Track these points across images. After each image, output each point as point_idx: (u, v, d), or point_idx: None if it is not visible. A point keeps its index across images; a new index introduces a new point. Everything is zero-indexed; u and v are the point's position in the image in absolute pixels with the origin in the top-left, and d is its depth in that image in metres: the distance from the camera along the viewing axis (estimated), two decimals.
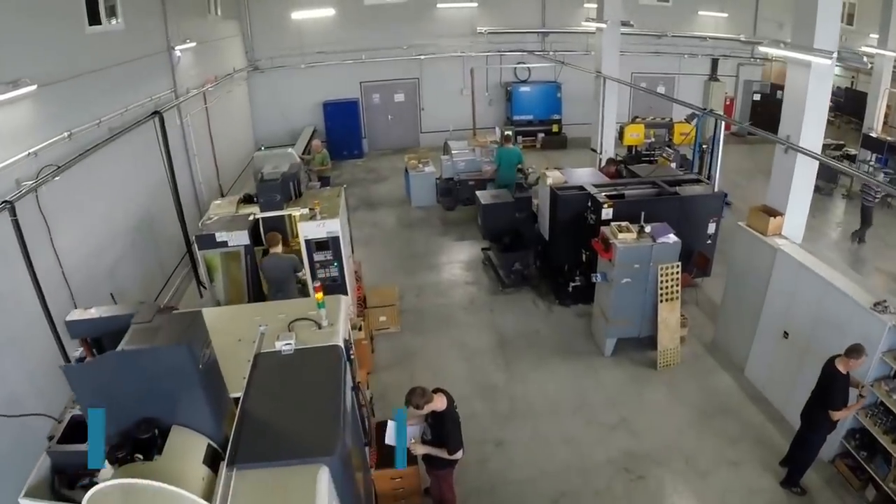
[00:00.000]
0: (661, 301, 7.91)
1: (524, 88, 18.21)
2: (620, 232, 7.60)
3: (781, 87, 20.71)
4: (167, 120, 10.25)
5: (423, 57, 17.90)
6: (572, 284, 9.21)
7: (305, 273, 7.62)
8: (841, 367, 5.50)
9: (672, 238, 7.64)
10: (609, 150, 12.96)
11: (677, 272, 7.85)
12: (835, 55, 6.54)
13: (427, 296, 9.76)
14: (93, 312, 3.33)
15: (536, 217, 10.02)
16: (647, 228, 7.60)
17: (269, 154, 12.39)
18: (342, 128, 17.62)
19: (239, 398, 3.41)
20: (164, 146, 9.43)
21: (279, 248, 7.45)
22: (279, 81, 17.49)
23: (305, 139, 16.48)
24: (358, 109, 17.97)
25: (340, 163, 17.53)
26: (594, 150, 13.06)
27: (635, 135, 14.04)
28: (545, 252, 9.73)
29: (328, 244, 7.36)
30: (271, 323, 4.23)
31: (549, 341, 8.62)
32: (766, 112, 20.37)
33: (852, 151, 15.60)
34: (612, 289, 7.77)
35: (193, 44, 11.85)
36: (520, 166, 12.09)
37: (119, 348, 2.80)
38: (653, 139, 14.55)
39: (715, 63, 19.64)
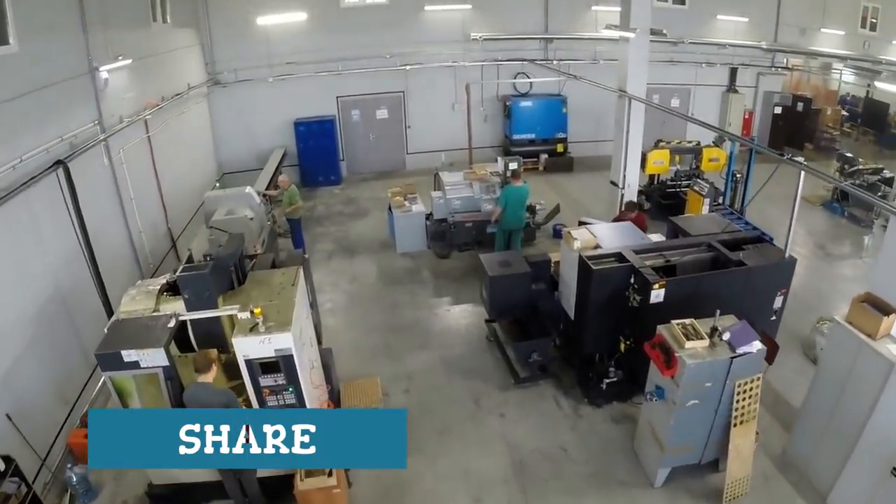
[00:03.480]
0: (735, 425, 5.89)
1: (525, 103, 16.01)
2: (687, 338, 5.52)
3: (803, 99, 19.07)
4: (89, 162, 8.17)
5: (409, 67, 15.65)
6: (606, 381, 7.14)
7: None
8: None
9: (756, 346, 5.59)
10: (633, 182, 10.90)
11: (758, 386, 5.84)
12: None
13: (418, 391, 7.62)
14: None
15: (555, 282, 7.95)
16: (725, 334, 5.52)
17: (222, 195, 10.26)
18: (316, 150, 15.33)
19: None
20: (72, 203, 7.19)
21: (210, 376, 5.27)
22: (244, 97, 15.17)
23: (275, 162, 14.31)
24: (334, 128, 15.64)
25: (315, 190, 15.30)
26: (615, 184, 10.99)
27: (659, 162, 12.03)
28: (569, 333, 7.65)
29: (278, 365, 5.22)
30: None
31: (581, 465, 6.53)
32: (787, 126, 18.55)
33: (889, 174, 13.84)
34: (672, 412, 5.72)
35: (129, 61, 9.61)
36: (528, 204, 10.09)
37: None
38: (678, 166, 12.55)
39: (733, 73, 17.69)
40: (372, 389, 7.38)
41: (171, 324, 5.38)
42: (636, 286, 6.56)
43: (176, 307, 5.65)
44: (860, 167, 14.04)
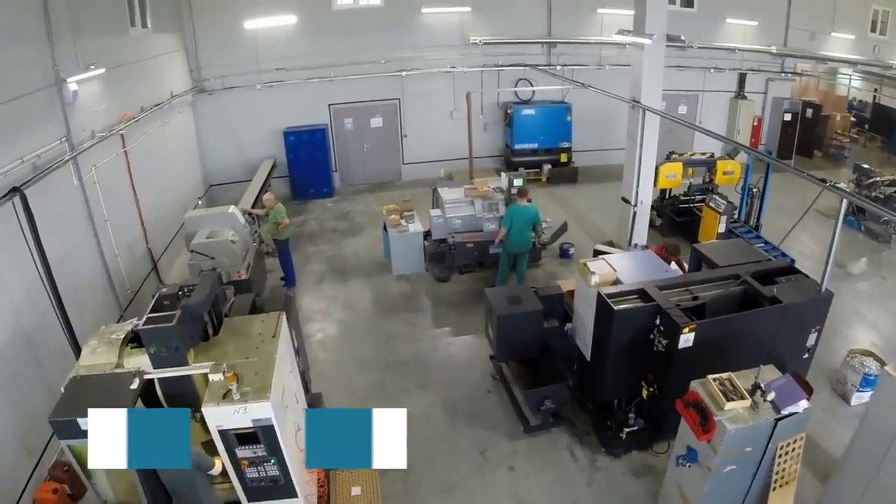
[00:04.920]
0: (775, 488, 5.23)
1: (527, 111, 15.23)
2: (726, 397, 4.83)
3: (812, 105, 18.45)
4: (55, 183, 7.38)
5: (405, 73, 14.87)
6: (627, 430, 6.46)
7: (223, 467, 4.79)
8: None
9: (803, 405, 4.91)
10: (647, 200, 10.21)
11: (801, 446, 5.19)
12: None
13: (418, 440, 6.83)
14: None
15: (567, 314, 7.26)
16: (770, 393, 4.83)
17: (203, 216, 9.53)
18: (307, 161, 14.49)
19: None
20: (31, 234, 6.44)
21: None
22: (231, 105, 14.37)
23: (264, 174, 13.58)
24: (326, 138, 14.82)
25: (306, 204, 14.53)
26: (626, 201, 10.29)
27: (672, 175, 11.33)
28: (584, 374, 6.96)
29: (257, 435, 4.50)
30: None
31: None
32: (796, 133, 17.91)
33: None
34: (706, 478, 5.04)
35: (102, 70, 8.84)
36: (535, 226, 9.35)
37: None
38: (691, 179, 11.86)
39: (742, 78, 17.03)
40: None
41: (135, 385, 4.64)
42: (662, 328, 5.87)
43: (141, 361, 4.92)
44: (877, 179, 13.41)
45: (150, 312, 5.05)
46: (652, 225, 11.20)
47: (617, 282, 6.43)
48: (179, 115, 13.05)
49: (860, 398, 7.51)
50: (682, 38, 9.33)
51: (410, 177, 15.72)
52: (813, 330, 6.56)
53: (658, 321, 5.91)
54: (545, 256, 10.90)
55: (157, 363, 4.80)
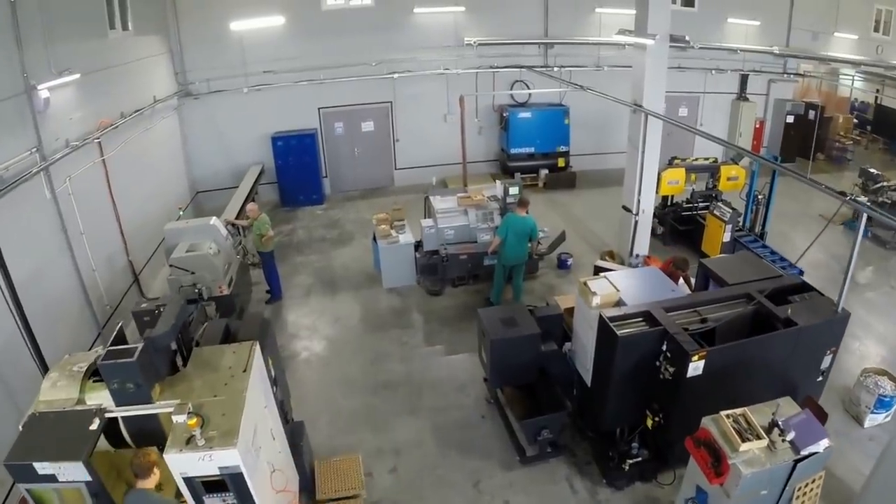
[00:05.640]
0: None
1: (523, 114, 14.76)
2: (741, 436, 4.41)
3: (815, 107, 18.04)
4: (25, 196, 6.98)
5: (397, 75, 14.42)
6: (630, 461, 6.04)
7: None
8: None
9: (823, 444, 4.50)
10: (648, 208, 9.80)
11: (819, 486, 4.79)
12: None
13: (407, 470, 6.45)
14: None
15: (566, 333, 6.85)
16: (789, 433, 4.42)
17: (184, 228, 9.11)
18: (297, 167, 14.02)
19: None
20: None
21: (151, 481, 4.26)
22: (218, 109, 13.91)
23: (252, 180, 13.15)
24: (315, 143, 14.34)
25: (295, 211, 14.07)
26: (627, 210, 9.87)
27: (674, 182, 10.92)
28: (584, 400, 6.54)
29: (225, 483, 4.08)
30: None
31: None
32: (799, 136, 17.50)
33: None
34: None
35: (76, 76, 8.40)
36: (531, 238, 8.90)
37: None
38: (693, 185, 11.46)
39: (744, 80, 16.62)
40: (352, 471, 6.22)
41: (94, 425, 4.25)
42: (669, 355, 5.45)
43: (104, 396, 4.52)
44: (884, 184, 13.03)
45: (111, 344, 4.64)
46: (653, 233, 10.78)
47: (620, 303, 6.02)
48: (164, 121, 12.59)
49: (874, 420, 7.14)
50: (687, 38, 8.87)
51: (403, 182, 15.27)
52: (828, 352, 6.16)
53: (665, 347, 5.50)
54: (543, 268, 10.48)
55: (119, 400, 4.41)
